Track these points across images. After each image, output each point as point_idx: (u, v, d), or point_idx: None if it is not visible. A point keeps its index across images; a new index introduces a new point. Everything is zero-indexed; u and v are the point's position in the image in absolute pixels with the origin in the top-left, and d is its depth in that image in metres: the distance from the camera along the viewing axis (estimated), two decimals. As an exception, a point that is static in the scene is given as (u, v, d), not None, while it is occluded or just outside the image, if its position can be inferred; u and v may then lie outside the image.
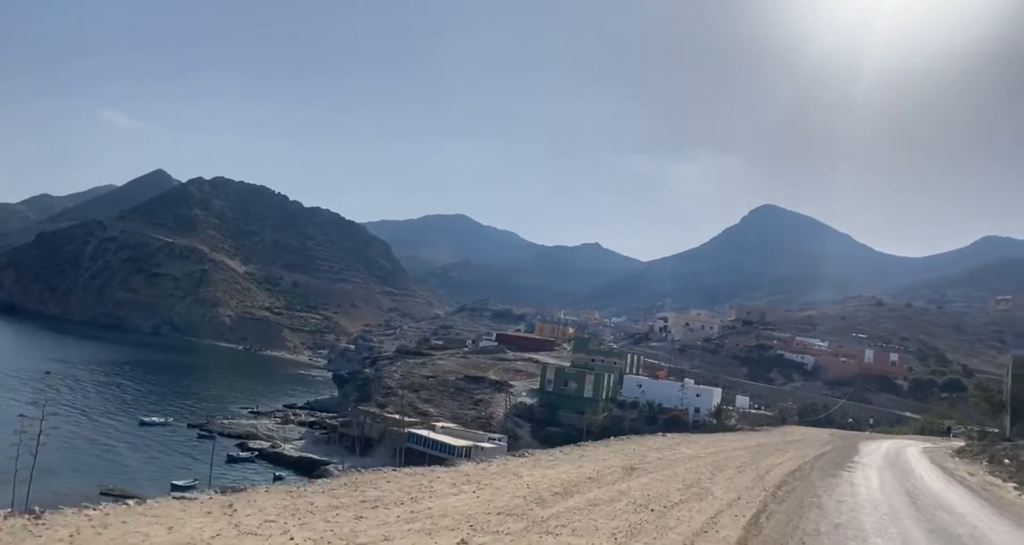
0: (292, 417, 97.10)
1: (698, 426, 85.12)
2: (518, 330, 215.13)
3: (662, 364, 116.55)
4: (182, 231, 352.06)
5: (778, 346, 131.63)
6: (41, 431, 42.01)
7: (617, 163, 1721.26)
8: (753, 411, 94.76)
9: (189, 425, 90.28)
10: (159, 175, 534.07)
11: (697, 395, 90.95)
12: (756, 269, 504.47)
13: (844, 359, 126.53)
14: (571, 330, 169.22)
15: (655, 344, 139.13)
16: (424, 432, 77.04)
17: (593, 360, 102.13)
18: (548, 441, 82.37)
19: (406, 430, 77.44)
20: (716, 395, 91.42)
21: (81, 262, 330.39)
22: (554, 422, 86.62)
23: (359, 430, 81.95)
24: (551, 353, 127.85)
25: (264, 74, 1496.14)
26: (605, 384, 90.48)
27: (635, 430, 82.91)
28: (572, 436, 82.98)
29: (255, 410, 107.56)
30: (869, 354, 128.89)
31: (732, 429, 77.28)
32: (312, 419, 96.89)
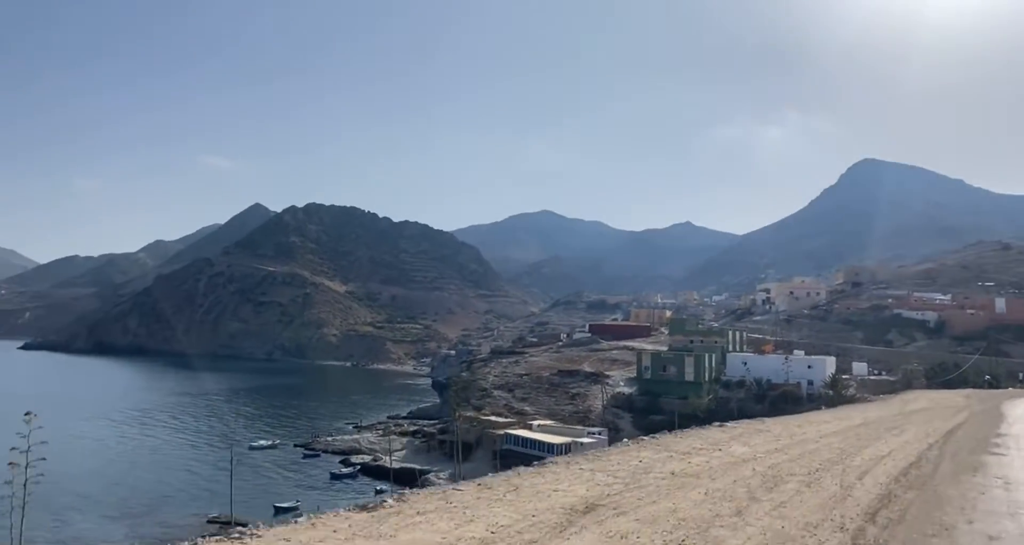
0: (394, 428, 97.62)
1: (812, 400, 79.13)
2: (614, 319, 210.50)
3: (767, 338, 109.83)
4: (283, 259, 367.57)
5: (894, 305, 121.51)
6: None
7: (700, 137, 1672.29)
8: (873, 378, 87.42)
9: (295, 445, 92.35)
10: (257, 208, 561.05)
11: (808, 367, 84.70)
12: (862, 228, 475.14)
13: (971, 311, 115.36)
14: (668, 313, 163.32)
15: (758, 318, 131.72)
16: (521, 432, 75.15)
17: (692, 342, 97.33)
18: (651, 430, 78.54)
19: (502, 431, 75.76)
20: (829, 365, 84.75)
21: (195, 299, 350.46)
22: (656, 410, 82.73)
23: (456, 436, 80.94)
24: (648, 339, 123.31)
25: (345, 101, 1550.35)
26: (706, 365, 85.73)
27: (743, 410, 77.96)
28: (675, 424, 78.98)
29: (359, 424, 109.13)
30: (1000, 303, 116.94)
31: (851, 400, 71.10)
32: (413, 428, 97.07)
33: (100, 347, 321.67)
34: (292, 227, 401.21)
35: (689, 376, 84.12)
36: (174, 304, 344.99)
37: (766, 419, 35.39)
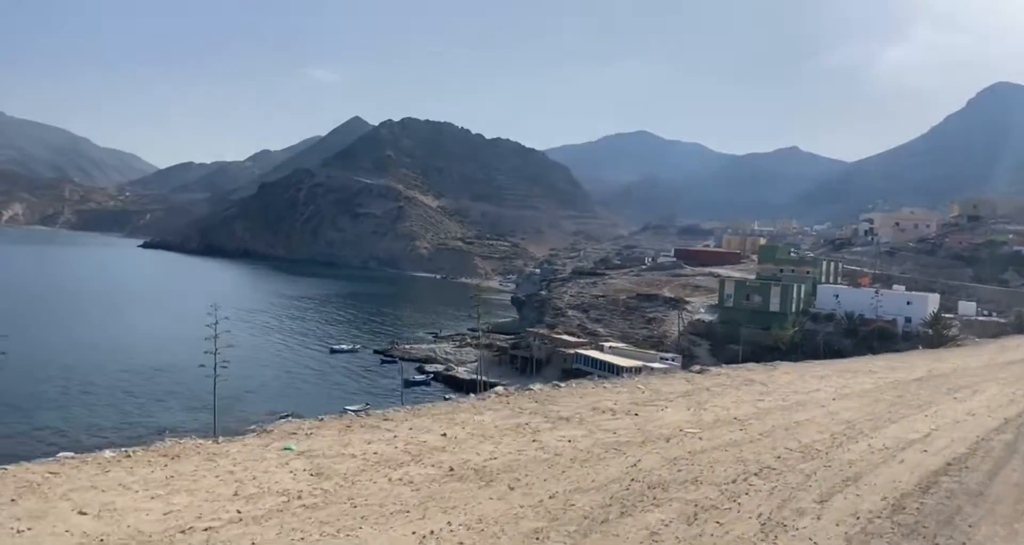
0: (469, 340, 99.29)
1: (908, 338, 74.05)
2: (706, 245, 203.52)
3: (865, 271, 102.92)
4: (379, 172, 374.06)
5: (1014, 241, 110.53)
6: (217, 365, 44.39)
7: (816, 56, 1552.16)
8: (981, 318, 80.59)
9: (375, 351, 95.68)
10: (356, 122, 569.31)
11: (908, 303, 78.90)
12: (988, 157, 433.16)
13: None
14: (762, 241, 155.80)
15: (858, 249, 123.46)
16: (591, 352, 74.51)
17: (781, 271, 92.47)
18: (729, 362, 76.20)
19: (573, 351, 75.32)
20: (931, 302, 78.61)
21: (297, 207, 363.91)
22: (736, 339, 79.74)
23: (528, 351, 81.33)
24: (737, 267, 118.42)
25: (445, 14, 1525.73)
26: (794, 296, 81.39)
27: (830, 345, 74.00)
28: (756, 354, 76.02)
29: (438, 334, 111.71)
30: None
31: (950, 341, 65.89)
32: (488, 342, 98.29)
33: (210, 249, 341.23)
34: (388, 141, 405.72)
35: (774, 306, 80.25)
36: (277, 211, 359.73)
37: (813, 363, 27.35)
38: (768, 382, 19.84)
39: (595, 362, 72.25)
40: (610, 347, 76.12)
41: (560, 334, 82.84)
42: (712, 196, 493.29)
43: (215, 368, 43.13)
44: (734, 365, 25.16)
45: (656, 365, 69.32)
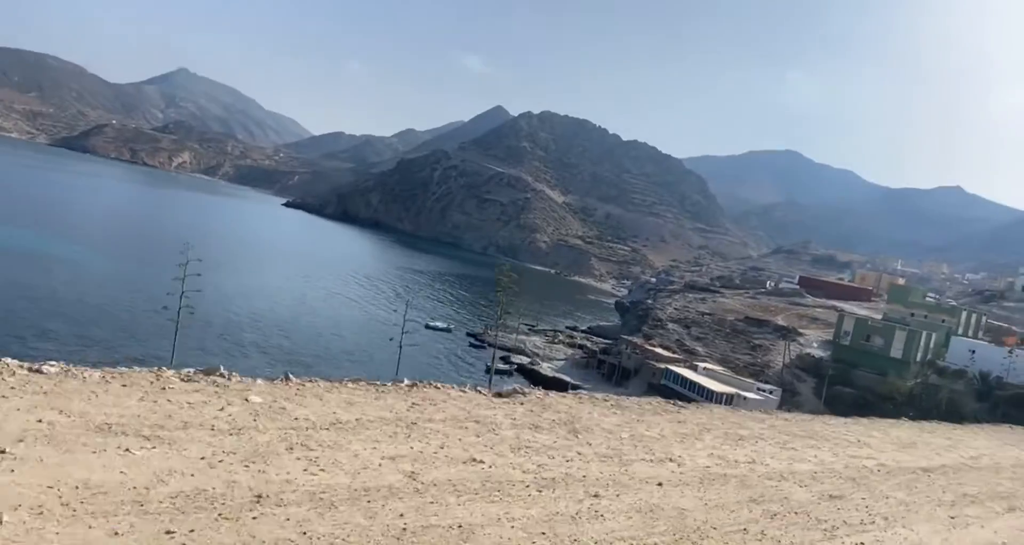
0: (563, 338, 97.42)
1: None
2: (840, 278, 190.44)
3: (1014, 329, 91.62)
4: (511, 161, 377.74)
5: None
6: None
7: (995, 92, 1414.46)
8: None
9: (468, 333, 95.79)
10: (498, 111, 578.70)
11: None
12: None
13: None
14: (901, 281, 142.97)
15: (1010, 304, 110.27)
16: (683, 371, 70.61)
17: (912, 315, 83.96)
18: (833, 403, 70.19)
19: (663, 366, 71.71)
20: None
21: (430, 187, 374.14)
22: (847, 381, 73.22)
23: (617, 359, 78.40)
24: (865, 304, 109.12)
25: (595, 11, 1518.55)
26: (921, 344, 73.49)
27: (954, 406, 66.20)
28: (866, 402, 69.54)
29: (533, 327, 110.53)
30: None
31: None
32: (581, 343, 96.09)
33: (345, 215, 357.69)
34: (525, 132, 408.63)
35: (896, 352, 72.78)
36: (411, 188, 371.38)
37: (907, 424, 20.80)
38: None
39: (685, 381, 68.39)
40: (704, 368, 71.88)
41: (655, 346, 79.31)
42: (857, 228, 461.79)
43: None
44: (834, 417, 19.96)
45: (750, 395, 64.75)
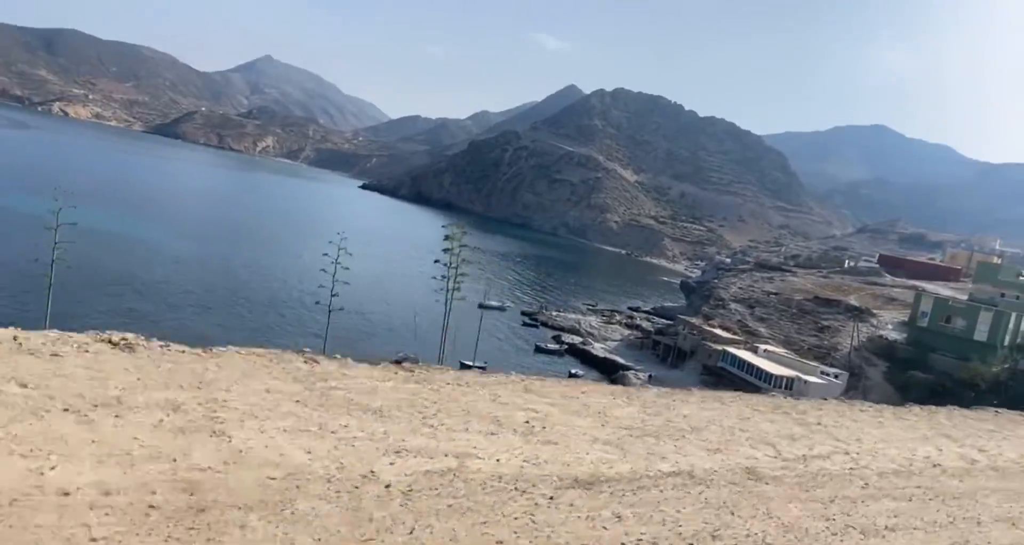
0: (620, 318, 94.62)
1: None
2: (931, 259, 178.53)
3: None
4: (582, 141, 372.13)
5: None
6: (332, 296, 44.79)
7: None
8: None
9: (523, 313, 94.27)
10: (571, 90, 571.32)
11: None
12: None
13: None
14: (996, 259, 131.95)
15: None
16: (742, 353, 66.99)
17: (1003, 295, 76.85)
18: (907, 389, 65.16)
19: (721, 347, 68.24)
20: None
21: (500, 168, 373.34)
22: (923, 366, 67.76)
23: (673, 339, 75.23)
24: (952, 284, 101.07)
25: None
26: (1010, 326, 67.10)
27: (1046, 394, 60.31)
28: (945, 389, 64.34)
29: (594, 307, 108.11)
30: None
31: None
32: (640, 323, 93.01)
33: (418, 197, 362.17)
34: (597, 110, 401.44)
35: (980, 335, 66.69)
36: (482, 169, 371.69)
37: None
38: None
39: (742, 363, 64.81)
40: (764, 350, 67.90)
41: (714, 327, 75.64)
42: (953, 206, 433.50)
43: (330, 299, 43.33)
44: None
45: (812, 379, 60.76)
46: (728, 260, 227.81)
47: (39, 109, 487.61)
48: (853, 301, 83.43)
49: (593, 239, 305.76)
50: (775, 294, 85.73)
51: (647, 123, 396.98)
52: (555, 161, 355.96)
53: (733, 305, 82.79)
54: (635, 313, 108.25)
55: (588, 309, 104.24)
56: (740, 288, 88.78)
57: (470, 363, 61.21)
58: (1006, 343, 67.22)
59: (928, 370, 66.85)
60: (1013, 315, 67.05)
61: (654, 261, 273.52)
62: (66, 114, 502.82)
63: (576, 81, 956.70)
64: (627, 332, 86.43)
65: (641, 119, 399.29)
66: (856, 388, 65.80)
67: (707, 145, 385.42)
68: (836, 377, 63.43)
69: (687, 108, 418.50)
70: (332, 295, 45.20)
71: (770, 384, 61.21)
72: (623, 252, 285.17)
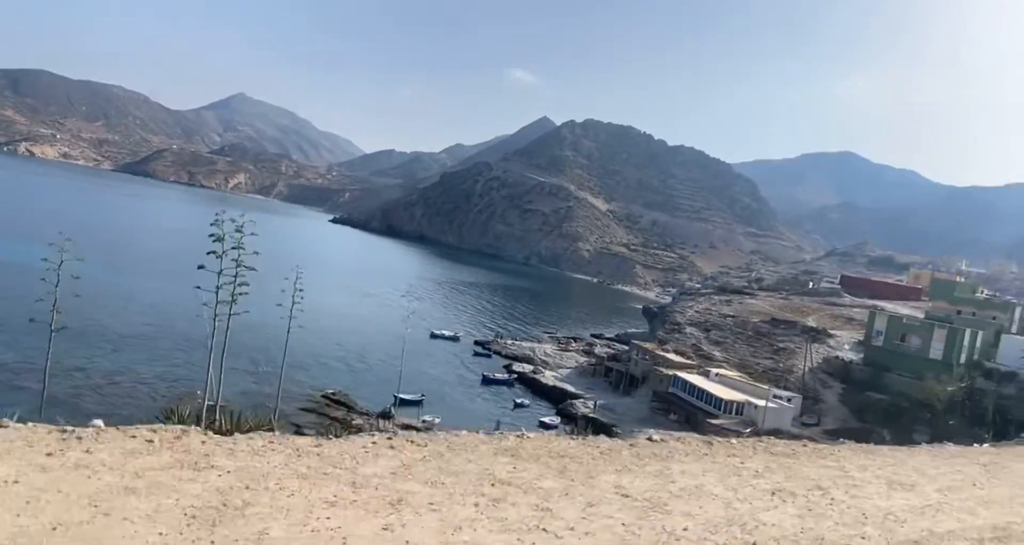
0: (576, 345, 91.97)
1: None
2: (899, 280, 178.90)
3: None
4: (553, 170, 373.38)
5: None
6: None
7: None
8: None
9: (475, 342, 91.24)
10: (544, 121, 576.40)
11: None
12: None
13: None
14: (959, 280, 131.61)
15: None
16: (693, 378, 64.46)
17: (959, 312, 75.50)
18: (863, 411, 63.14)
19: (672, 372, 65.72)
20: None
21: (472, 199, 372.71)
22: (878, 386, 65.81)
23: (626, 366, 72.58)
24: (911, 303, 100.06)
25: (644, 23, 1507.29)
26: (965, 343, 65.44)
27: (1005, 413, 58.38)
28: (900, 409, 62.39)
29: (553, 334, 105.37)
30: None
31: None
32: (598, 350, 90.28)
33: (390, 230, 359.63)
34: (568, 141, 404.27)
35: (935, 353, 64.92)
36: (452, 201, 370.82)
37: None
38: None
39: (692, 389, 62.25)
40: (716, 374, 65.49)
41: (667, 352, 73.17)
42: (920, 229, 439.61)
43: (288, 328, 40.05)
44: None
45: (760, 402, 58.34)
46: (698, 286, 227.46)
47: (4, 149, 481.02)
48: (810, 322, 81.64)
49: (565, 268, 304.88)
50: (732, 317, 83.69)
51: (617, 152, 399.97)
52: (527, 191, 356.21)
53: (689, 329, 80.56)
54: (596, 340, 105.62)
55: (548, 336, 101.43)
56: (696, 312, 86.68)
57: (407, 397, 58.06)
58: (961, 360, 65.46)
59: (884, 390, 64.86)
60: (967, 332, 65.37)
61: (626, 288, 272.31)
62: (32, 154, 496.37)
63: (550, 113, 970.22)
64: (584, 359, 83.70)
65: (611, 149, 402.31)
66: (811, 411, 63.52)
67: (677, 173, 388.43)
68: (789, 400, 61.07)
69: (656, 137, 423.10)
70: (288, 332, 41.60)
71: (720, 409, 58.75)
72: (595, 280, 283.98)
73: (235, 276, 14.83)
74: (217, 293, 14.52)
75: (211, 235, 14.16)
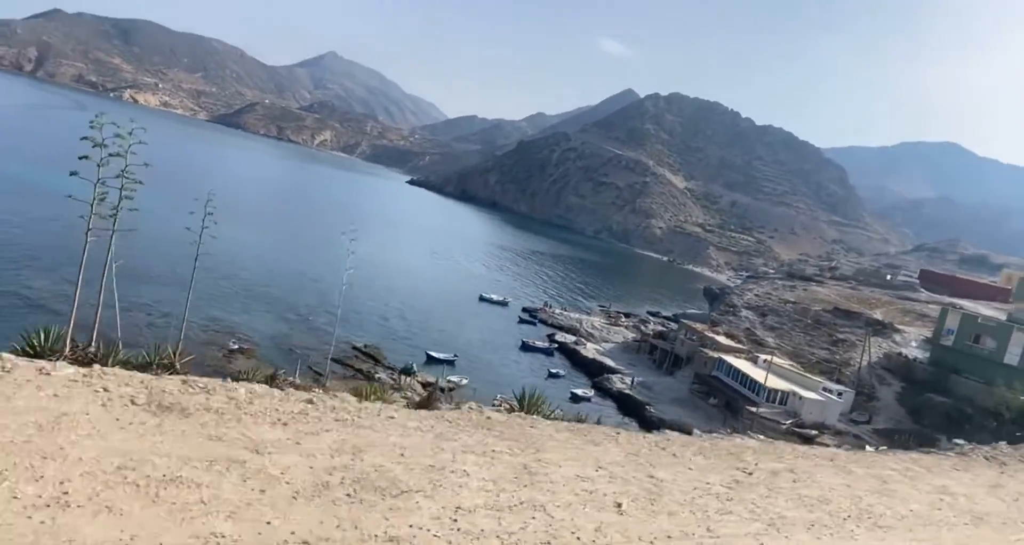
0: (627, 321, 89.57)
1: None
2: (992, 282, 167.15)
3: None
4: (632, 145, 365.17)
5: None
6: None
7: None
8: None
9: (523, 309, 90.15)
10: (628, 94, 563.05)
11: None
12: None
13: None
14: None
15: None
16: (738, 362, 61.54)
17: (1047, 317, 69.06)
18: (921, 413, 59.04)
19: (717, 355, 62.96)
20: None
21: (546, 168, 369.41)
22: (942, 389, 61.14)
23: (671, 345, 70.08)
24: (996, 305, 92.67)
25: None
26: (1046, 351, 59.79)
27: (1083, 429, 53.28)
28: (963, 415, 58.01)
29: (607, 308, 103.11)
30: None
31: None
32: (634, 324, 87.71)
33: (464, 195, 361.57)
34: (650, 115, 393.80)
35: (1012, 358, 59.59)
36: (527, 169, 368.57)
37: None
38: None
39: (736, 373, 59.41)
40: (764, 360, 62.27)
41: (718, 334, 70.14)
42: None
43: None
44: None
45: (807, 394, 55.14)
46: (771, 271, 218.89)
47: (111, 95, 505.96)
48: (877, 315, 76.58)
49: (636, 244, 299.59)
50: (792, 303, 79.46)
51: (701, 129, 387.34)
52: (603, 164, 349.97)
53: (744, 312, 76.99)
54: (651, 318, 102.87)
55: (601, 310, 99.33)
56: (756, 295, 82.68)
57: (438, 355, 57.67)
58: (1041, 369, 59.90)
59: (948, 393, 60.25)
60: (1050, 338, 59.63)
61: (696, 269, 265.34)
62: (135, 101, 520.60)
63: (636, 86, 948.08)
64: (631, 336, 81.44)
65: (695, 125, 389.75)
66: (863, 407, 59.77)
67: (763, 154, 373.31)
68: (839, 395, 57.48)
69: (744, 116, 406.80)
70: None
71: (762, 397, 55.91)
72: (665, 258, 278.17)
73: (120, 190, 13.80)
74: (92, 206, 13.56)
75: (85, 138, 13.10)
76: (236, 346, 46.56)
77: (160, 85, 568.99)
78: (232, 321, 54.20)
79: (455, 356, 58.72)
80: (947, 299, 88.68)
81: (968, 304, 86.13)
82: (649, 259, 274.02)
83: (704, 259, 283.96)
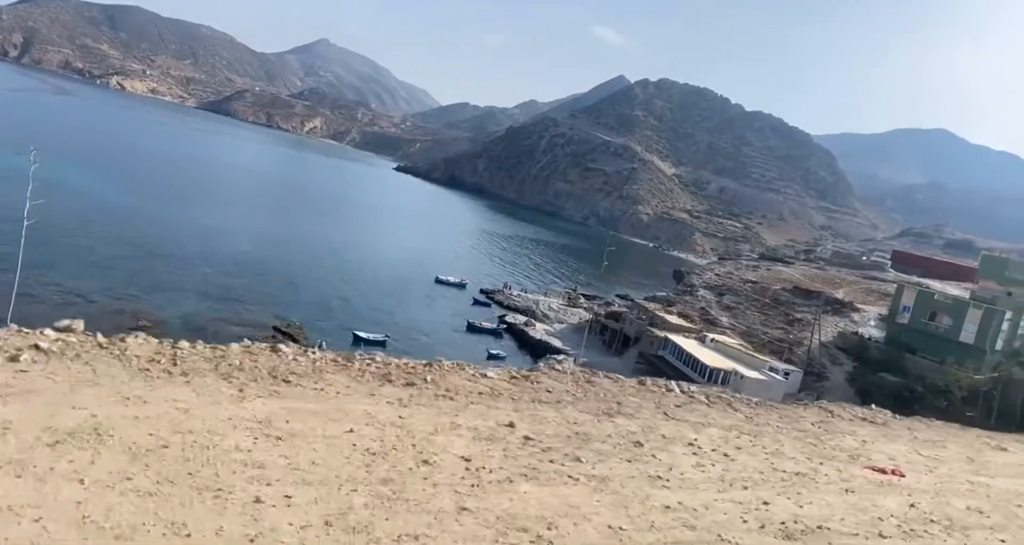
0: (583, 302, 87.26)
1: None
2: (972, 264, 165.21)
3: None
4: (621, 130, 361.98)
5: None
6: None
7: None
8: None
9: (481, 290, 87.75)
10: (619, 80, 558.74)
11: None
12: None
13: None
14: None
15: None
16: (684, 342, 59.28)
17: (1009, 294, 66.88)
18: (870, 393, 56.72)
19: (663, 334, 60.70)
20: None
21: (535, 154, 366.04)
22: (896, 368, 58.97)
23: (621, 325, 67.81)
24: (966, 284, 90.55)
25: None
26: (1002, 327, 57.69)
27: (1035, 407, 51.21)
28: (913, 395, 55.82)
29: (574, 290, 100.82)
30: None
31: None
32: (586, 304, 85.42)
33: (451, 181, 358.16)
34: (640, 100, 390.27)
35: (967, 336, 57.43)
36: (515, 155, 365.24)
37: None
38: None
39: (680, 353, 57.19)
40: (712, 339, 60.00)
41: (671, 314, 67.86)
42: (1014, 215, 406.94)
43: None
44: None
45: (750, 374, 52.93)
46: (755, 256, 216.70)
47: (98, 82, 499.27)
48: (839, 294, 74.34)
49: (623, 230, 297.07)
50: (752, 282, 77.17)
51: (691, 115, 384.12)
52: (591, 150, 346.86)
53: (701, 291, 74.75)
54: (620, 300, 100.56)
55: (565, 291, 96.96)
56: (716, 275, 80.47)
57: (367, 336, 55.22)
58: (998, 347, 57.80)
59: (902, 373, 58.09)
60: (1005, 314, 57.41)
61: (681, 255, 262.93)
62: (122, 88, 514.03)
63: (628, 73, 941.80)
64: (589, 316, 79.16)
65: (685, 111, 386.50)
66: (812, 388, 57.61)
67: (752, 140, 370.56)
68: (786, 375, 55.27)
69: (734, 102, 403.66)
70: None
71: (704, 377, 53.69)
72: (651, 245, 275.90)
73: None
74: None
75: None
76: (140, 323, 44.23)
77: (148, 72, 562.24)
78: (141, 300, 51.99)
79: (386, 337, 56.21)
80: (912, 279, 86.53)
81: (937, 284, 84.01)
82: (634, 245, 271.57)
83: (690, 245, 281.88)
